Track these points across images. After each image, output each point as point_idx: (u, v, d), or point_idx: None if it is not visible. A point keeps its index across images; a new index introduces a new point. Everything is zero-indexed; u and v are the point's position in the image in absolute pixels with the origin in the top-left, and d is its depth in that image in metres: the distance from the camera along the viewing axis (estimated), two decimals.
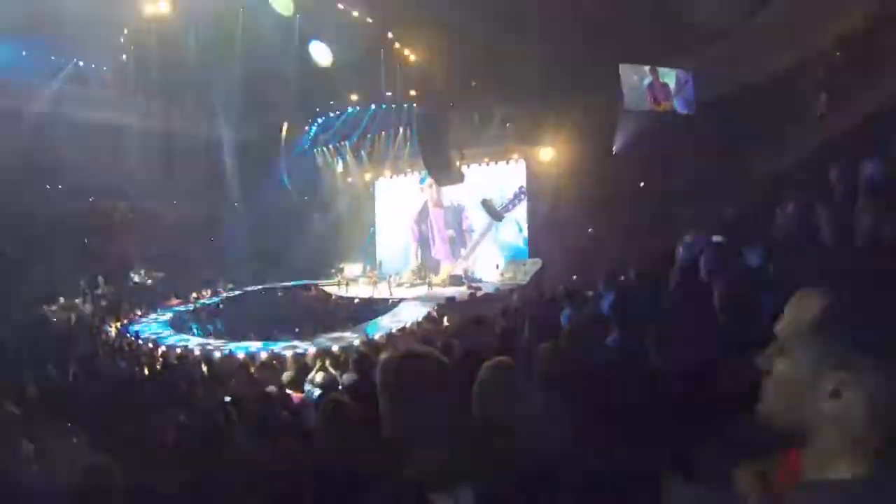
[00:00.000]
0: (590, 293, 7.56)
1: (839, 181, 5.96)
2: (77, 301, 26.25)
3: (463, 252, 31.04)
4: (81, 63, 28.14)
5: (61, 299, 25.65)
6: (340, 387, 6.50)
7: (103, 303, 27.18)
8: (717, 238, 5.89)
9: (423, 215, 32.58)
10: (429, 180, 29.76)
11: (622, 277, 6.80)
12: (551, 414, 2.55)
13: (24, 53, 26.09)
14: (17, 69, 25.69)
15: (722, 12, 18.54)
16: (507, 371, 2.45)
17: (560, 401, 2.65)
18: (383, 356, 1.74)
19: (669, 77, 22.74)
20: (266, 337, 22.22)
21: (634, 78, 22.28)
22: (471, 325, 7.40)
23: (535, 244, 27.61)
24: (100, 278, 28.17)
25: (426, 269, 31.00)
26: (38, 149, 25.85)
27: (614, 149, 23.87)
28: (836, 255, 3.36)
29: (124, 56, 26.88)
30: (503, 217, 28.75)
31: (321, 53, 25.37)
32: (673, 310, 3.87)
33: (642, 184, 24.33)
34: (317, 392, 6.29)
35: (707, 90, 21.79)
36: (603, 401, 2.59)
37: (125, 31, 25.29)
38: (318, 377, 7.19)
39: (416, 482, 1.61)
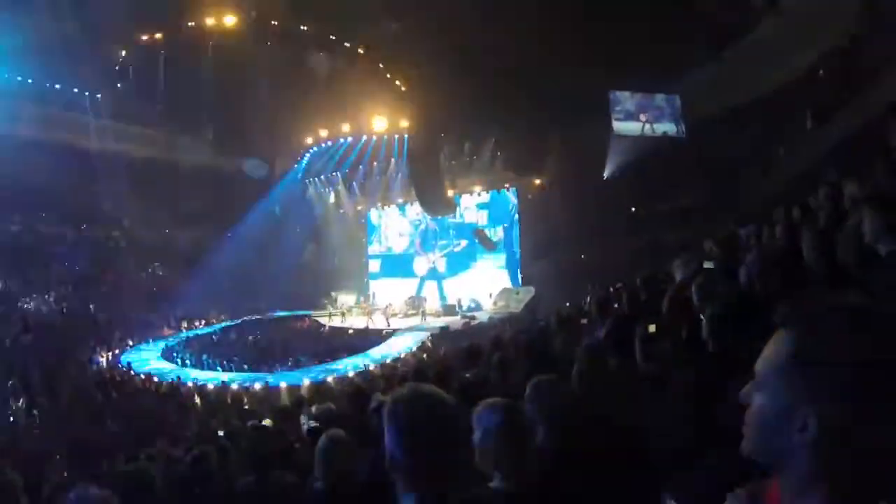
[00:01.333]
0: (583, 321, 7.57)
1: (824, 203, 6.04)
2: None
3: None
4: (76, 90, 28.22)
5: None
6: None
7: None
8: (708, 264, 5.92)
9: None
10: None
11: (615, 305, 6.82)
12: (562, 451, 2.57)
13: (18, 78, 26.22)
14: (10, 93, 25.80)
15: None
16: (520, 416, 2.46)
17: (569, 436, 2.67)
18: (390, 397, 1.74)
19: (658, 101, 23.00)
20: (260, 368, 22.09)
21: (626, 103, 22.55)
22: (465, 356, 7.39)
23: (527, 272, 27.64)
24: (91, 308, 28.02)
25: (419, 299, 30.98)
26: (30, 174, 25.87)
27: (605, 174, 24.01)
28: (816, 281, 3.42)
29: (119, 84, 27.02)
30: (495, 247, 28.83)
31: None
32: (664, 335, 3.89)
33: (633, 209, 24.46)
34: (312, 424, 6.24)
35: (695, 113, 22.00)
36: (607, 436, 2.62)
37: (120, 60, 25.42)
38: (313, 410, 7.15)
39: None
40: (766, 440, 1.12)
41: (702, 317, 3.01)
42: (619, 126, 23.03)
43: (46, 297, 26.67)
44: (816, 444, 1.04)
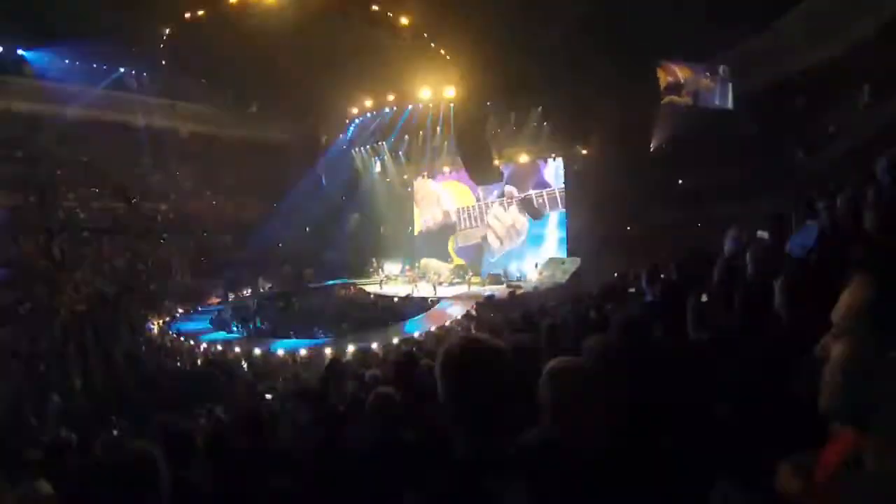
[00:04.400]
0: (631, 290, 7.51)
1: (886, 173, 5.84)
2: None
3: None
4: (122, 69, 28.64)
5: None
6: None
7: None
8: (761, 233, 5.81)
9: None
10: None
11: (663, 276, 6.74)
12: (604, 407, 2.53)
13: (66, 60, 26.70)
14: (57, 75, 26.32)
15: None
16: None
17: (609, 394, 2.63)
18: (445, 345, 1.72)
19: (708, 73, 22.51)
20: (306, 335, 22.38)
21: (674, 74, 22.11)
22: (515, 322, 7.38)
23: (574, 243, 27.43)
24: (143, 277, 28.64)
25: (465, 267, 31.04)
26: (80, 152, 26.46)
27: (652, 146, 23.63)
28: (883, 243, 3.30)
29: (164, 62, 27.29)
30: (542, 215, 28.63)
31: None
32: (716, 304, 3.83)
33: (680, 181, 24.07)
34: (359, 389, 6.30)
35: (745, 84, 21.48)
36: (654, 393, 2.58)
37: (164, 37, 25.63)
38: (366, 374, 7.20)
39: (471, 468, 1.61)
40: (850, 392, 1.07)
41: (775, 284, 2.92)
42: (668, 97, 22.59)
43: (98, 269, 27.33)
44: None
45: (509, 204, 30.41)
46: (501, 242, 31.16)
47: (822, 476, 1.46)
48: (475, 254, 32.04)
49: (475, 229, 32.35)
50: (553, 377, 2.20)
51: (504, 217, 30.89)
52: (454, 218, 33.14)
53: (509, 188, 30.43)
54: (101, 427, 10.72)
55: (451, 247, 33.15)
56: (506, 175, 29.97)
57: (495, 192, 31.03)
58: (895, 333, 1.01)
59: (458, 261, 32.21)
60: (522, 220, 30.17)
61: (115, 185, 28.98)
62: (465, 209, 32.61)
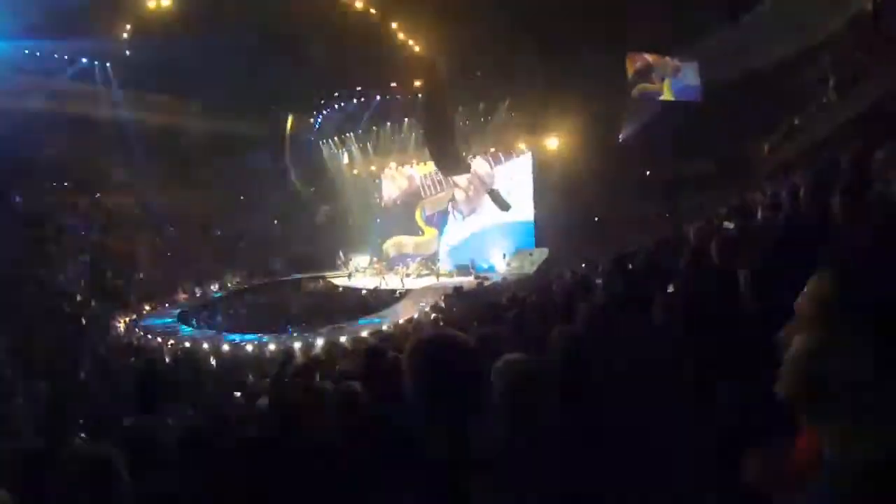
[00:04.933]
0: (598, 281, 7.55)
1: (850, 167, 5.93)
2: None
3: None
4: (85, 60, 28.12)
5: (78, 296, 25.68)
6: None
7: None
8: (727, 224, 5.88)
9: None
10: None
11: (629, 266, 6.79)
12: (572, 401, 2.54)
13: (25, 52, 26.15)
14: (18, 67, 25.76)
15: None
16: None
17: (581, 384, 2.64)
18: (412, 341, 1.70)
19: (676, 65, 22.71)
20: (274, 329, 22.27)
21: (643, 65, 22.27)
22: (482, 312, 7.41)
23: (541, 234, 27.59)
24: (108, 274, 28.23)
25: (437, 237, 31.33)
26: (41, 146, 25.96)
27: (621, 137, 23.82)
28: (848, 236, 3.34)
29: (127, 52, 26.84)
30: (510, 207, 28.73)
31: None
32: (683, 289, 3.85)
33: (647, 173, 24.31)
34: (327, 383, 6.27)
35: (713, 77, 21.72)
36: (623, 386, 2.59)
37: (128, 27, 25.20)
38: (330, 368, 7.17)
39: (443, 464, 1.60)
40: (805, 379, 1.09)
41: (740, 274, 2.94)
42: (639, 84, 22.77)
43: (61, 265, 26.86)
44: (859, 383, 1.01)
45: (472, 157, 30.02)
46: (467, 195, 31.18)
47: (790, 466, 1.48)
48: (443, 220, 32.27)
49: (442, 194, 32.39)
50: (500, 375, 2.21)
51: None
52: (418, 182, 33.15)
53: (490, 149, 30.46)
54: (65, 430, 10.57)
55: (418, 216, 33.16)
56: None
57: None
58: (855, 327, 1.02)
59: (430, 231, 32.31)
60: (487, 169, 30.30)
61: (78, 180, 28.55)
62: (430, 175, 32.33)
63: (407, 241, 32.82)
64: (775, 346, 1.21)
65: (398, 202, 34.17)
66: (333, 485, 2.75)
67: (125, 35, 25.38)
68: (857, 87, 16.06)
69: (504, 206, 28.72)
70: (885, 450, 1.01)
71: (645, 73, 22.56)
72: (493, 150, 29.78)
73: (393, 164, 33.96)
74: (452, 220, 31.95)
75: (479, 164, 30.20)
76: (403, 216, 33.65)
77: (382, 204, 34.81)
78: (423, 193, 33.03)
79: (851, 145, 6.85)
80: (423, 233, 32.69)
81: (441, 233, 32.19)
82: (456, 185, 31.41)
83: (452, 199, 31.83)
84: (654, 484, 2.08)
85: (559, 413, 2.27)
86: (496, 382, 2.21)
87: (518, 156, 29.39)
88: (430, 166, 30.77)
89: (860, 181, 4.05)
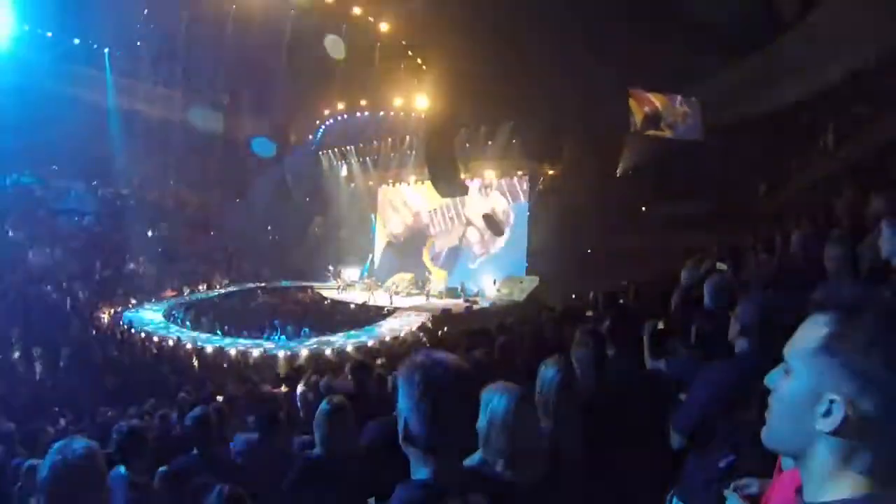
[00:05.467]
0: (589, 313, 7.57)
1: (845, 214, 5.99)
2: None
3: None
4: (96, 46, 28.10)
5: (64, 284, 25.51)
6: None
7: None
8: (720, 265, 5.90)
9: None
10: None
11: (621, 300, 6.82)
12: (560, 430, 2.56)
13: (38, 31, 26.14)
14: (28, 45, 25.73)
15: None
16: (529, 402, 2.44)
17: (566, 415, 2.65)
18: (406, 362, 1.69)
19: (679, 104, 22.82)
20: (259, 335, 22.19)
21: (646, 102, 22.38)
22: (472, 336, 7.40)
23: (533, 262, 27.54)
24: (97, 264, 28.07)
25: (424, 279, 30.73)
26: (44, 127, 25.84)
27: (619, 171, 23.92)
28: (841, 286, 3.37)
29: (139, 42, 26.88)
30: (504, 231, 28.74)
31: (335, 47, 25.21)
32: (675, 332, 3.88)
33: (644, 208, 24.39)
34: (311, 395, 6.26)
35: (713, 119, 21.86)
36: (607, 416, 2.61)
37: (142, 17, 25.29)
38: (315, 379, 7.16)
39: (430, 487, 1.60)
40: (789, 426, 1.11)
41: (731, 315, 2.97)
42: (638, 124, 22.88)
43: (51, 250, 26.72)
44: (840, 432, 1.03)
45: (489, 192, 29.53)
46: (483, 236, 30.15)
47: None
48: (454, 259, 31.12)
49: (452, 231, 31.41)
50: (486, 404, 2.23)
51: (484, 207, 29.75)
52: (426, 220, 32.19)
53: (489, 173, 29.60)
54: (45, 419, 10.51)
55: (426, 256, 32.06)
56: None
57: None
58: (838, 378, 1.05)
59: (439, 273, 31.17)
60: (505, 206, 29.31)
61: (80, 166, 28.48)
62: (440, 209, 31.34)
63: (411, 279, 31.30)
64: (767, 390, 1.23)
65: (402, 238, 33.45)
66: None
67: (138, 25, 25.41)
68: (855, 135, 16.24)
69: (498, 230, 28.73)
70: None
71: (654, 121, 22.64)
72: (491, 174, 29.63)
73: (393, 185, 33.47)
74: (465, 259, 30.81)
75: (496, 201, 29.60)
76: (409, 252, 32.68)
77: (384, 244, 34.10)
78: (432, 230, 32.09)
79: (845, 192, 6.92)
80: (429, 273, 31.37)
81: (451, 273, 30.86)
82: (470, 222, 30.51)
83: (464, 237, 30.85)
84: None
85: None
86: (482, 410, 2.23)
87: (515, 180, 29.21)
88: (438, 200, 30.51)
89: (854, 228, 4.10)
